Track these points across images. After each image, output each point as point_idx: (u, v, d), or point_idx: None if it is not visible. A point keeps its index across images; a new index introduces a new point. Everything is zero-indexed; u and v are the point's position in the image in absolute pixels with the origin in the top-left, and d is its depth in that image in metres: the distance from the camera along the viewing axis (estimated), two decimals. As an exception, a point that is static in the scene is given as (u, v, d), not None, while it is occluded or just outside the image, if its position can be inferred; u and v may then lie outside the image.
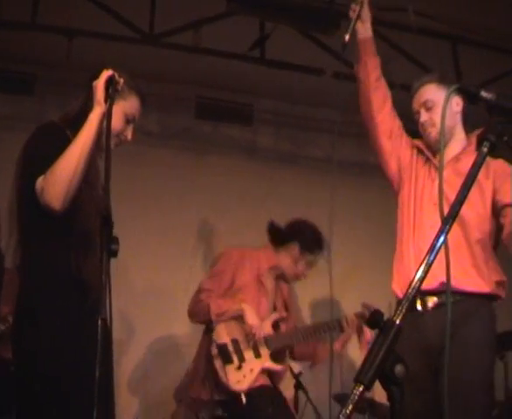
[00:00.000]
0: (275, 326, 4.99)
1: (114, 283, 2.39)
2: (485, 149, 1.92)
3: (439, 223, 1.86)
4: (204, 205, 6.89)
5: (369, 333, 4.97)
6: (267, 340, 4.86)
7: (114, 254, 2.43)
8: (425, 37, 6.02)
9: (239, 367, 4.71)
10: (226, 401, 4.67)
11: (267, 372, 4.85)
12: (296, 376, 5.37)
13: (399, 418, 1.70)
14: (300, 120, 7.56)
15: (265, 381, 4.80)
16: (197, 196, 6.90)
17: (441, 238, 1.81)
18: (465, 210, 3.02)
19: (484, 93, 1.99)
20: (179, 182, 6.97)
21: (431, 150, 3.68)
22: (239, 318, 4.80)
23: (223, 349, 4.70)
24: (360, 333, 5.04)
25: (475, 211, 3.35)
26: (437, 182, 3.38)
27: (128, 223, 6.29)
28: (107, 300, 2.33)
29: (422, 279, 1.75)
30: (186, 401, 4.93)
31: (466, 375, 3.12)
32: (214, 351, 4.68)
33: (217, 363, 4.66)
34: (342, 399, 5.61)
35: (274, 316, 5.01)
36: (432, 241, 1.81)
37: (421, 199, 3.54)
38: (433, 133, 3.58)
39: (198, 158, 7.08)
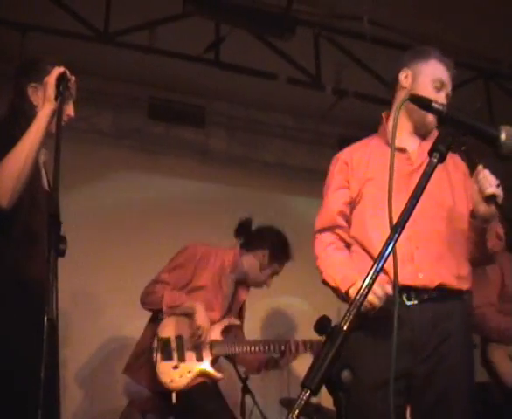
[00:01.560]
0: (225, 331, 4.94)
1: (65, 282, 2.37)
2: (435, 160, 1.95)
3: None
4: (156, 206, 6.87)
5: None
6: (213, 345, 4.80)
7: (62, 253, 2.40)
8: (379, 47, 6.07)
9: (176, 367, 4.65)
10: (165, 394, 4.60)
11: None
12: (243, 380, 5.35)
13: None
14: (252, 123, 7.58)
15: (203, 380, 4.75)
16: (148, 197, 6.88)
17: (390, 246, 1.83)
18: None
19: (436, 105, 2.02)
20: (131, 182, 6.94)
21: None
22: (190, 315, 4.72)
23: (165, 344, 4.64)
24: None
25: None
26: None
27: (80, 223, 6.28)
28: (54, 300, 2.29)
29: (370, 286, 1.76)
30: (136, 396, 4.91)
31: (454, 378, 3.10)
32: (155, 343, 4.61)
33: (156, 356, 4.58)
34: (288, 403, 5.62)
35: (226, 322, 4.95)
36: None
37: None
38: None
39: (151, 159, 7.06)
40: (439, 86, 3.23)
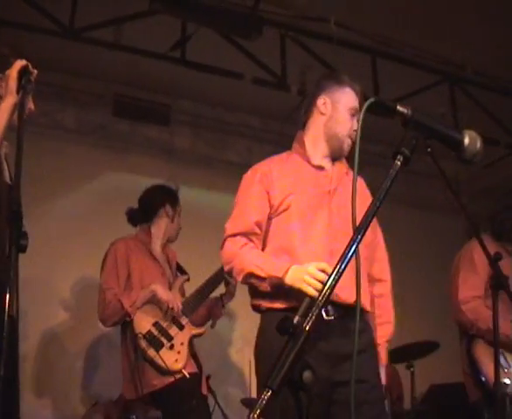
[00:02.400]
0: (181, 291, 5.07)
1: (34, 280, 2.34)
2: (398, 163, 1.96)
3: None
4: (118, 204, 6.82)
5: None
6: (183, 309, 4.88)
7: (23, 249, 2.37)
8: (345, 49, 6.11)
9: (171, 347, 4.71)
10: (155, 394, 4.60)
11: (193, 356, 4.88)
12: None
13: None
14: (217, 123, 7.57)
15: (192, 367, 4.81)
16: (110, 194, 6.84)
17: (353, 248, 1.83)
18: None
19: (400, 108, 2.02)
20: (93, 179, 6.90)
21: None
22: (151, 299, 4.77)
23: (150, 337, 4.66)
24: None
25: None
26: None
27: (40, 218, 6.23)
28: (15, 297, 2.27)
29: (332, 287, 1.76)
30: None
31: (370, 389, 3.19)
32: (143, 343, 4.61)
33: (151, 353, 4.61)
34: (250, 403, 5.63)
35: (178, 282, 5.06)
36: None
37: None
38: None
39: (114, 156, 7.02)
40: (354, 113, 3.47)
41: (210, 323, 5.26)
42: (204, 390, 4.98)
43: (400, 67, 6.44)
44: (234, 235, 3.30)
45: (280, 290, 3.12)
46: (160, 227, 5.12)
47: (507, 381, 4.30)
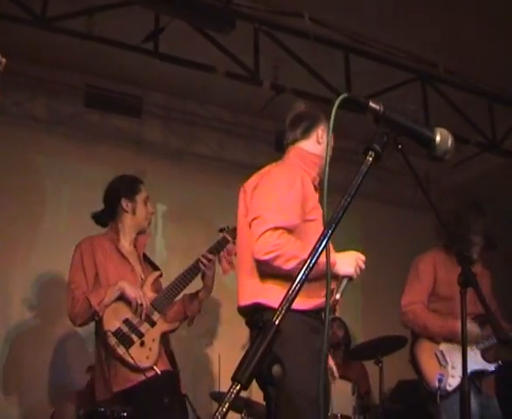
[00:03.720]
0: (153, 287, 4.94)
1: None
2: (370, 159, 1.96)
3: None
4: (86, 195, 6.80)
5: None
6: (155, 304, 4.80)
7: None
8: (318, 45, 6.11)
9: (142, 344, 4.65)
10: (127, 392, 4.53)
11: (169, 355, 4.85)
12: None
13: (275, 418, 1.72)
14: (189, 116, 7.56)
15: (165, 365, 4.77)
16: (81, 185, 6.80)
17: (324, 242, 1.84)
18: None
19: (372, 104, 2.03)
20: (65, 170, 6.85)
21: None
22: (120, 297, 4.70)
23: (119, 334, 4.59)
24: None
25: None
26: None
27: (8, 209, 6.18)
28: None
29: (303, 282, 1.77)
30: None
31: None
32: (112, 341, 4.54)
33: (120, 350, 4.54)
34: (219, 397, 5.63)
35: (151, 279, 4.96)
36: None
37: None
38: None
39: (86, 147, 6.98)
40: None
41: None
42: (184, 389, 4.93)
43: (373, 64, 6.47)
44: (277, 228, 3.39)
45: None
46: (123, 223, 5.01)
47: (441, 377, 4.69)
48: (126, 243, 5.00)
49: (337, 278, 3.53)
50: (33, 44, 6.21)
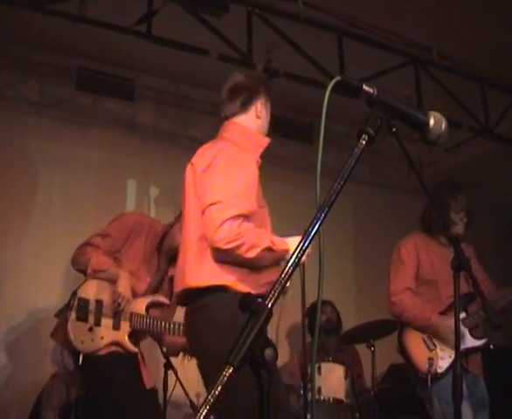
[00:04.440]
0: (152, 308, 4.85)
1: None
2: (363, 142, 1.96)
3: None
4: (80, 177, 6.78)
5: None
6: (133, 317, 4.72)
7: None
8: (311, 28, 6.10)
9: (90, 329, 4.58)
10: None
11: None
12: (166, 356, 5.34)
13: (267, 401, 1.72)
14: (182, 99, 7.54)
15: (117, 350, 4.67)
16: (74, 168, 6.79)
17: (316, 226, 1.83)
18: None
19: (366, 87, 2.02)
20: (57, 153, 6.83)
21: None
22: (113, 282, 4.66)
23: (83, 304, 4.58)
24: None
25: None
26: None
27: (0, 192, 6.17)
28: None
29: (296, 265, 1.76)
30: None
31: None
32: (72, 303, 4.56)
33: (71, 314, 4.54)
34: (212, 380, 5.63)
35: (153, 298, 4.87)
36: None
37: None
38: None
39: (78, 130, 6.95)
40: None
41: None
42: (149, 384, 4.79)
43: (366, 48, 6.45)
44: (239, 215, 3.27)
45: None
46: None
47: (431, 361, 4.65)
48: (166, 251, 4.93)
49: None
50: (25, 27, 6.17)
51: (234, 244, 3.21)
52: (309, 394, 5.14)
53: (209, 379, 3.41)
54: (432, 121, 2.08)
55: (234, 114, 3.69)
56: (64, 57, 6.86)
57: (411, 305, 4.91)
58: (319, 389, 5.58)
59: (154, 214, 7.12)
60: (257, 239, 3.27)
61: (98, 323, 4.63)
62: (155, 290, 4.96)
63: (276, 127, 7.74)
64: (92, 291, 4.66)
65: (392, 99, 2.04)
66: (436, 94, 6.68)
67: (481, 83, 7.16)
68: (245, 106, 3.67)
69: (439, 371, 4.68)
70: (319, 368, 5.66)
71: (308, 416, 5.05)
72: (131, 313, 4.73)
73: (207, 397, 1.55)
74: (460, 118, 6.99)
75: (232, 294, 3.25)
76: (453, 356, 4.62)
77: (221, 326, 3.22)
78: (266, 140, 3.67)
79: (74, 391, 4.93)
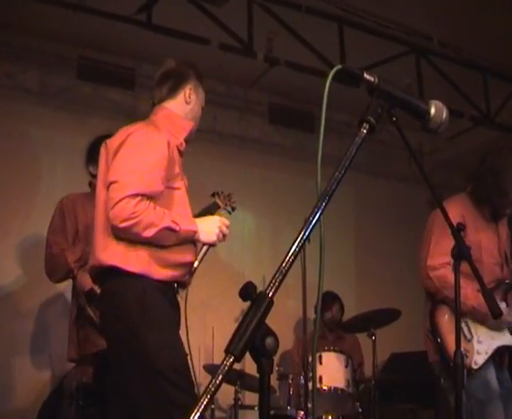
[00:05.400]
0: None
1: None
2: (364, 131, 1.95)
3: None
4: (81, 168, 6.77)
5: None
6: None
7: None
8: (312, 17, 6.09)
9: None
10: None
11: None
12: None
13: (268, 390, 1.72)
14: (182, 88, 7.53)
15: None
16: (75, 158, 6.78)
17: (317, 215, 1.83)
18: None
19: (367, 76, 2.02)
20: (58, 143, 6.83)
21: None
22: None
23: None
24: None
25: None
26: None
27: (2, 183, 6.17)
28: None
29: (296, 254, 1.76)
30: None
31: None
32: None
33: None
34: (212, 370, 5.65)
35: None
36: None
37: None
38: None
39: (78, 119, 6.94)
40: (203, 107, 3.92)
41: None
42: None
43: (367, 37, 6.44)
44: (137, 194, 3.24)
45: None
46: None
47: (466, 353, 4.14)
48: None
49: (196, 244, 3.54)
50: (25, 16, 6.16)
51: (129, 223, 3.20)
52: (310, 383, 5.18)
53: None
54: (432, 110, 2.08)
55: (162, 100, 3.76)
56: (64, 46, 6.85)
57: (452, 284, 4.21)
58: (320, 378, 5.59)
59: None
60: (156, 218, 3.24)
61: None
62: None
63: (277, 116, 7.77)
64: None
65: (393, 87, 2.04)
66: (437, 83, 6.68)
67: (482, 72, 7.15)
68: (172, 92, 3.75)
69: (474, 367, 4.21)
70: (320, 358, 5.67)
71: (309, 405, 5.07)
72: None
73: (208, 386, 1.55)
74: (460, 107, 6.99)
75: (124, 277, 3.28)
76: (489, 353, 4.24)
77: (124, 310, 3.28)
78: (190, 124, 3.74)
79: (75, 382, 4.92)
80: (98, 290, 4.51)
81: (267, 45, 6.29)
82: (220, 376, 1.56)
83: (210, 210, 5.04)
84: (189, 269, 3.51)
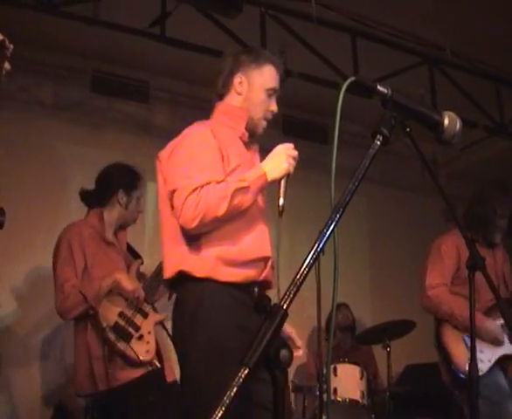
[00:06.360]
0: (137, 275, 4.88)
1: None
2: (378, 142, 1.96)
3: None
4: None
5: None
6: (147, 297, 4.76)
7: (1, 226, 2.33)
8: (325, 29, 6.09)
9: (141, 337, 4.58)
10: (113, 390, 4.44)
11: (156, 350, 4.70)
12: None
13: (282, 402, 1.72)
14: (196, 100, 7.53)
15: (153, 365, 4.65)
16: (89, 171, 6.80)
17: (331, 227, 1.83)
18: None
19: (380, 87, 2.02)
20: (70, 155, 6.86)
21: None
22: (114, 289, 4.61)
23: (118, 329, 4.52)
24: None
25: None
26: None
27: (14, 194, 6.18)
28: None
29: (311, 266, 1.76)
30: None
31: None
32: (111, 336, 4.46)
33: (121, 345, 4.47)
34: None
35: (134, 268, 4.89)
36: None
37: None
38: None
39: (92, 132, 6.97)
40: (272, 93, 3.56)
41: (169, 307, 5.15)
42: (170, 377, 4.75)
43: (380, 48, 6.44)
44: (195, 188, 3.11)
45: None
46: (112, 214, 4.89)
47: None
48: (109, 234, 4.89)
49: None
50: (40, 30, 6.20)
51: (199, 217, 3.06)
52: (325, 395, 5.16)
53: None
54: (446, 121, 2.08)
55: (217, 96, 3.71)
56: (78, 59, 6.89)
57: (449, 299, 4.71)
58: (335, 390, 5.58)
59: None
60: (221, 191, 3.09)
61: (137, 328, 4.62)
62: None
63: (291, 128, 7.77)
64: (109, 313, 4.58)
65: (406, 98, 2.04)
66: (450, 94, 6.66)
67: (496, 82, 7.13)
68: (224, 87, 3.65)
69: (480, 374, 4.42)
70: (335, 369, 5.67)
71: (324, 417, 5.06)
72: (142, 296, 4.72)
73: (223, 398, 1.55)
74: (474, 117, 6.97)
75: (190, 282, 3.19)
76: (492, 361, 4.52)
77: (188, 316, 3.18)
78: (246, 112, 3.55)
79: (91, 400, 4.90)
80: (123, 323, 4.60)
81: (280, 57, 6.30)
82: (235, 388, 1.56)
83: None
84: (264, 265, 3.32)
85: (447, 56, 6.69)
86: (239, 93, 3.55)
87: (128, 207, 4.92)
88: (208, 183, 3.11)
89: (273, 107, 3.57)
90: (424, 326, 5.87)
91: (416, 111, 2.06)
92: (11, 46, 2.94)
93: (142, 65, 7.11)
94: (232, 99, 3.59)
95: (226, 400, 1.54)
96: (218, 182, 3.14)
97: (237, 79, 3.56)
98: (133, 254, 5.08)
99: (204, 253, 3.17)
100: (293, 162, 3.25)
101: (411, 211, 8.48)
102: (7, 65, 3.06)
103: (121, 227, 5.00)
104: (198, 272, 3.14)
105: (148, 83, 7.27)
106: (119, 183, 4.91)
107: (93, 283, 4.59)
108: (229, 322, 3.11)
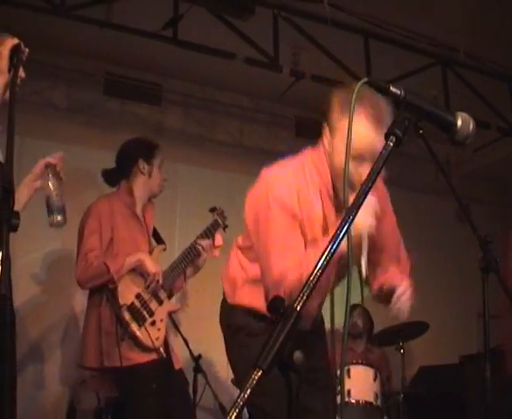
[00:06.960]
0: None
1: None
2: (391, 144, 1.95)
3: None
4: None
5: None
6: (163, 283, 4.77)
7: (15, 229, 2.33)
8: (338, 30, 6.09)
9: (153, 323, 4.59)
10: (118, 370, 4.42)
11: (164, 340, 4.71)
12: (196, 359, 5.36)
13: (296, 404, 1.72)
14: (208, 103, 7.55)
15: (159, 354, 4.64)
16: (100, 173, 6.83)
17: (344, 228, 1.83)
18: None
19: (393, 89, 2.01)
20: (83, 158, 6.87)
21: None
22: (137, 268, 4.64)
23: (133, 310, 4.52)
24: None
25: None
26: None
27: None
28: (6, 275, 2.24)
29: (324, 268, 1.76)
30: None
31: None
32: (126, 316, 4.47)
33: (134, 327, 4.48)
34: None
35: (157, 252, 4.90)
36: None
37: None
38: None
39: (105, 135, 6.98)
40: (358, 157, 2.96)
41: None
42: (178, 365, 4.80)
43: (393, 49, 6.43)
44: (284, 271, 2.93)
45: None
46: (137, 185, 4.90)
47: None
48: (139, 210, 4.90)
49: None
50: (52, 33, 6.22)
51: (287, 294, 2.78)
52: (339, 397, 5.16)
53: None
54: (459, 122, 2.07)
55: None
56: (91, 62, 6.91)
57: None
58: (348, 392, 5.57)
59: (181, 216, 7.13)
60: (298, 274, 2.80)
61: (151, 313, 4.63)
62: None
63: (304, 130, 7.76)
64: (128, 292, 4.58)
65: (419, 100, 2.03)
66: (463, 95, 6.64)
67: (509, 82, 7.10)
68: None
69: None
70: (348, 371, 5.66)
71: (338, 419, 5.05)
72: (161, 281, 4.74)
73: (236, 400, 1.55)
74: (487, 118, 6.94)
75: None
76: None
77: None
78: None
79: (104, 395, 4.92)
80: (138, 305, 4.60)
81: (293, 59, 6.31)
82: (248, 390, 1.56)
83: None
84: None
85: (460, 57, 6.67)
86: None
87: (152, 175, 4.96)
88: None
89: (361, 175, 2.88)
90: (437, 327, 5.88)
91: (429, 112, 2.05)
92: (27, 50, 2.97)
93: (155, 68, 7.12)
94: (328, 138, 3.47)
95: (240, 402, 1.54)
96: None
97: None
98: (157, 239, 5.08)
99: None
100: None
101: (425, 212, 8.45)
102: (22, 73, 3.09)
103: (150, 198, 5.03)
104: None
105: (160, 85, 7.29)
106: (137, 153, 4.96)
107: (117, 257, 4.60)
108: None
